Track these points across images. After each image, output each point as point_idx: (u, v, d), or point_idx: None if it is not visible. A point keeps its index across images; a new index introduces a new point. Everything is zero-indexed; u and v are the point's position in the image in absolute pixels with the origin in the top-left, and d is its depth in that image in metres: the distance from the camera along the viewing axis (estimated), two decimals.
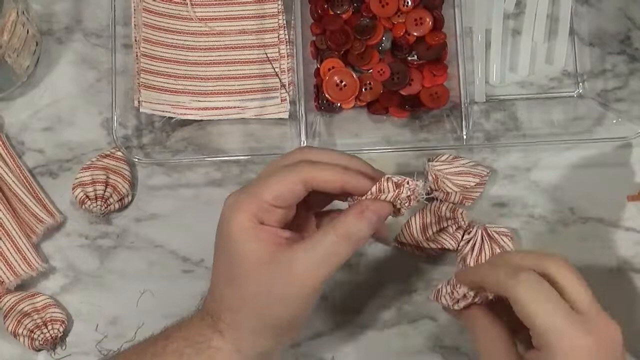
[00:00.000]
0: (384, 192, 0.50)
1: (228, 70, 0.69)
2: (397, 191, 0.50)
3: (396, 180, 0.50)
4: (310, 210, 0.55)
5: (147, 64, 0.67)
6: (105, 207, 0.65)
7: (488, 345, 0.51)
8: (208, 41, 0.69)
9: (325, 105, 0.68)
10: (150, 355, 0.53)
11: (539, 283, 0.47)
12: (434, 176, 0.65)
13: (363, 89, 0.68)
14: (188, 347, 0.52)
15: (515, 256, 0.51)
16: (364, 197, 0.51)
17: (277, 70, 0.68)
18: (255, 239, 0.50)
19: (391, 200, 0.50)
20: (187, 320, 0.55)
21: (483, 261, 0.64)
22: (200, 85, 0.68)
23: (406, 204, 0.51)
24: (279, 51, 0.69)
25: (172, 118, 0.67)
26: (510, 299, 0.47)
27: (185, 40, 0.69)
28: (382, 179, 0.50)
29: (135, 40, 0.68)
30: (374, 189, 0.50)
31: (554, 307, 0.46)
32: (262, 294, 0.50)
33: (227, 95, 0.68)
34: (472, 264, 0.63)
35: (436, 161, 0.66)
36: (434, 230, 0.65)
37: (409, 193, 0.50)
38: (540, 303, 0.46)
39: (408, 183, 0.50)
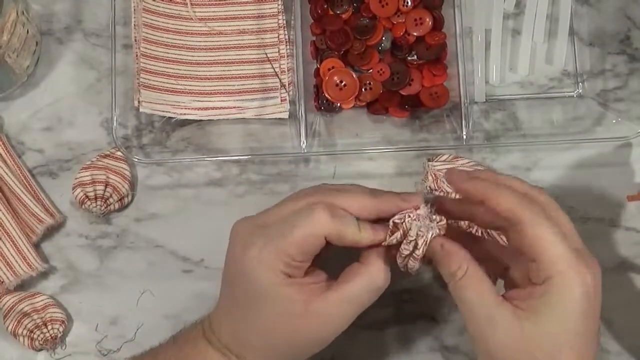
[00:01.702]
0: (394, 235, 0.51)
1: (228, 70, 0.69)
2: (402, 229, 0.51)
3: (397, 220, 0.51)
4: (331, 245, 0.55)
5: (146, 63, 0.67)
6: (105, 207, 0.65)
7: (475, 287, 0.49)
8: (208, 41, 0.69)
9: (325, 105, 0.68)
10: None
11: (550, 216, 0.48)
12: (434, 176, 0.65)
13: (363, 89, 0.68)
14: None
15: (509, 182, 0.50)
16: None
17: (277, 70, 0.68)
18: (287, 296, 0.50)
19: (404, 240, 0.51)
20: (204, 349, 0.53)
21: None
22: (200, 85, 0.68)
23: (427, 232, 0.51)
24: (278, 51, 0.69)
25: (172, 118, 0.67)
26: (523, 226, 0.47)
27: (185, 40, 0.69)
28: (389, 224, 0.51)
29: (135, 40, 0.68)
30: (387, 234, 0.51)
31: (565, 241, 0.47)
32: (292, 340, 0.51)
33: (227, 95, 0.68)
34: None
35: (436, 161, 0.66)
36: None
37: (419, 224, 0.50)
38: (555, 235, 0.47)
39: (410, 216, 0.51)
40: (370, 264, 0.51)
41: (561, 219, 0.49)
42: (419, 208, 0.51)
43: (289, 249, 0.50)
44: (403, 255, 0.51)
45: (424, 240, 0.50)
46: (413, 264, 0.52)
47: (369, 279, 0.51)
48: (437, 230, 0.50)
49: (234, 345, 0.53)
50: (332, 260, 0.53)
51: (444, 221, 0.51)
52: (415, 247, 0.50)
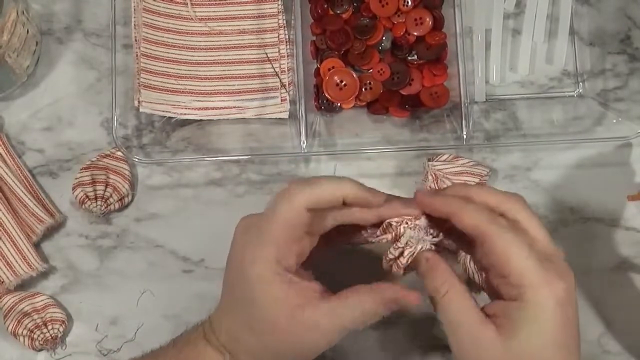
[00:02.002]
0: (385, 234, 0.51)
1: (228, 70, 0.69)
2: (395, 232, 0.51)
3: (394, 223, 0.51)
4: (330, 244, 0.55)
5: (147, 63, 0.67)
6: (105, 207, 0.65)
7: (457, 304, 0.49)
8: (208, 41, 0.69)
9: (325, 105, 0.68)
10: None
11: (517, 227, 0.48)
12: (434, 176, 0.65)
13: (363, 89, 0.68)
14: None
15: (480, 194, 0.50)
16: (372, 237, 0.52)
17: (277, 70, 0.68)
18: (277, 296, 0.50)
19: (393, 244, 0.51)
20: (203, 349, 0.53)
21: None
22: (200, 85, 0.68)
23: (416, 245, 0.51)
24: (279, 51, 0.69)
25: (172, 118, 0.67)
26: (489, 241, 0.47)
27: (185, 40, 0.69)
28: (384, 224, 0.51)
29: (135, 40, 0.68)
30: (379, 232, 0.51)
31: (532, 252, 0.46)
32: (284, 345, 0.51)
33: (227, 95, 0.68)
34: (471, 264, 0.63)
35: (436, 161, 0.66)
36: None
37: (412, 234, 0.50)
38: (521, 248, 0.46)
39: (407, 223, 0.50)
40: (375, 291, 0.50)
41: (532, 227, 0.48)
42: (419, 218, 0.51)
43: (275, 233, 0.50)
44: (388, 259, 0.51)
45: (411, 252, 0.50)
46: (396, 270, 0.51)
47: (366, 302, 0.50)
48: (428, 245, 0.50)
49: (229, 343, 0.53)
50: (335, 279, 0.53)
51: (440, 237, 0.51)
52: (401, 255, 0.50)
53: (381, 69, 0.68)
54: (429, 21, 0.68)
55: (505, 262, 0.46)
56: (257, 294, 0.50)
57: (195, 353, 0.53)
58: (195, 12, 0.69)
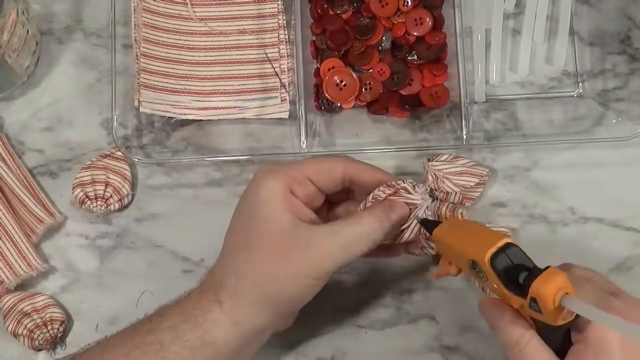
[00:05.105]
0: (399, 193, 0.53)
1: (228, 70, 0.69)
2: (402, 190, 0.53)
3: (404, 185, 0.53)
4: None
5: (147, 63, 0.67)
6: (105, 207, 0.65)
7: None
8: (208, 41, 0.69)
9: (325, 105, 0.68)
10: (145, 333, 0.53)
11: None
12: (434, 176, 0.65)
13: (363, 89, 0.68)
14: (184, 322, 0.52)
15: None
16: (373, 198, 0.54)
17: (277, 70, 0.68)
18: (281, 206, 0.51)
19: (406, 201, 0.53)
20: (185, 296, 0.55)
21: None
22: (200, 85, 0.68)
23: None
24: (279, 51, 0.69)
25: (172, 118, 0.67)
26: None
27: (185, 40, 0.69)
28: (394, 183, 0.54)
29: (135, 40, 0.68)
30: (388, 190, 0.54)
31: None
32: (273, 266, 0.51)
33: (227, 95, 0.68)
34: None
35: (436, 161, 0.65)
36: None
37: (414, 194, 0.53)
38: None
39: (415, 188, 0.54)
40: (367, 211, 0.52)
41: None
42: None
43: (301, 165, 0.53)
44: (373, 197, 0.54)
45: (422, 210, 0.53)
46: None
47: (358, 222, 0.52)
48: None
49: (218, 271, 0.53)
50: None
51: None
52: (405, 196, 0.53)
53: (381, 69, 0.68)
54: (429, 21, 0.68)
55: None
56: (262, 206, 0.51)
57: (174, 300, 0.54)
58: (195, 12, 0.69)
